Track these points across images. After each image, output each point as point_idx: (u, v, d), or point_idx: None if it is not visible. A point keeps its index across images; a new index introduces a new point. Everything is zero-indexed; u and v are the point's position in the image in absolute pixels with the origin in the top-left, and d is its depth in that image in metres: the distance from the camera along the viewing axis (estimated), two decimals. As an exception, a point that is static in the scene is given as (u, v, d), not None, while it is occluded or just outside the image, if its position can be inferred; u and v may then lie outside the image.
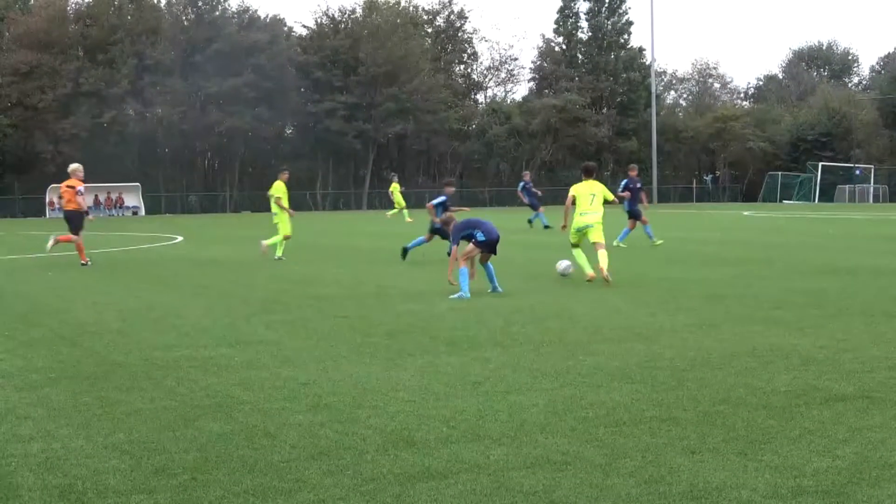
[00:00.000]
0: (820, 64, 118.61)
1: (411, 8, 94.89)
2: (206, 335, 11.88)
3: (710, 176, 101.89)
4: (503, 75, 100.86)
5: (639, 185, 27.78)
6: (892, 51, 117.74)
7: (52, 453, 6.64)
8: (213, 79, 79.36)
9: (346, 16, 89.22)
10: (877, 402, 7.75)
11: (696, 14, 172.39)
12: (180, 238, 36.62)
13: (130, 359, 10.29)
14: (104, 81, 77.66)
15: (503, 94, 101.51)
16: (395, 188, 50.70)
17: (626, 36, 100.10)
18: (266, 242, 24.13)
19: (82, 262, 22.74)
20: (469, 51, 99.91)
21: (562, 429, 7.05)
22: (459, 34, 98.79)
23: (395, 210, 50.27)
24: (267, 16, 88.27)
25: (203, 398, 8.26)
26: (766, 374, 8.91)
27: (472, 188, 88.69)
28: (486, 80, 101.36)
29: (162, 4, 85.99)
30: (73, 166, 24.34)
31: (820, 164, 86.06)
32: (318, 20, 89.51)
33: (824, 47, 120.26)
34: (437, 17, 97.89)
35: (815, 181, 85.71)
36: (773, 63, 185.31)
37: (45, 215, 70.43)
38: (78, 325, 12.98)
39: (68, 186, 23.74)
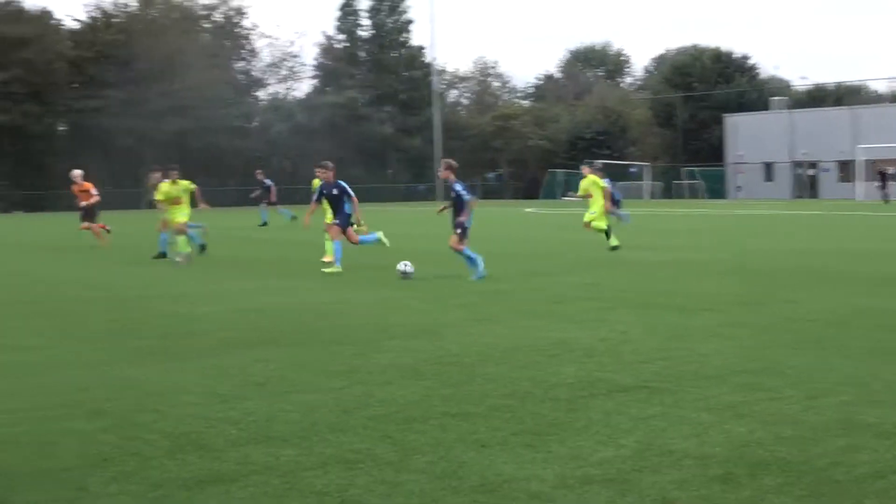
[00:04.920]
0: (595, 64, 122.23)
1: (188, 3, 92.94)
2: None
3: (494, 173, 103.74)
4: (284, 72, 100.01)
5: None
6: (663, 52, 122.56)
7: None
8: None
9: (120, 10, 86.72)
10: (656, 391, 8.01)
11: (476, 14, 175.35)
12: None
13: None
14: None
15: (285, 91, 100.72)
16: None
17: (406, 34, 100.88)
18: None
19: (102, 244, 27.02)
20: (248, 47, 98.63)
21: (353, 427, 7.01)
22: (238, 30, 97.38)
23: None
24: (34, 8, 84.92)
25: (-26, 407, 7.85)
26: (551, 366, 9.10)
27: (253, 186, 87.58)
28: (267, 76, 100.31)
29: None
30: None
31: (597, 161, 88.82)
32: (92, 14, 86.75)
33: (599, 47, 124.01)
34: (215, 13, 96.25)
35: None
36: (550, 63, 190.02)
37: None
38: None
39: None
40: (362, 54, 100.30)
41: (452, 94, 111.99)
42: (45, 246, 27.31)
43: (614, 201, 35.44)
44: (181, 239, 21.37)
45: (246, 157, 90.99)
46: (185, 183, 22.39)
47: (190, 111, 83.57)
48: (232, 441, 6.71)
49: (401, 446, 6.49)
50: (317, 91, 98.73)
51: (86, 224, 28.20)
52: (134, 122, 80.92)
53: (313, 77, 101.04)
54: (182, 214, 22.13)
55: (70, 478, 5.94)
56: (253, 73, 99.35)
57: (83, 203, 28.10)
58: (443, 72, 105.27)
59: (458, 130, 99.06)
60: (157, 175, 23.34)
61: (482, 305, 13.77)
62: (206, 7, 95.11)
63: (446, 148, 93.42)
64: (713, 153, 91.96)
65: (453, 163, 18.20)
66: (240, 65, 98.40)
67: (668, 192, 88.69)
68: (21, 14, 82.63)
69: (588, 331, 11.20)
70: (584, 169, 25.35)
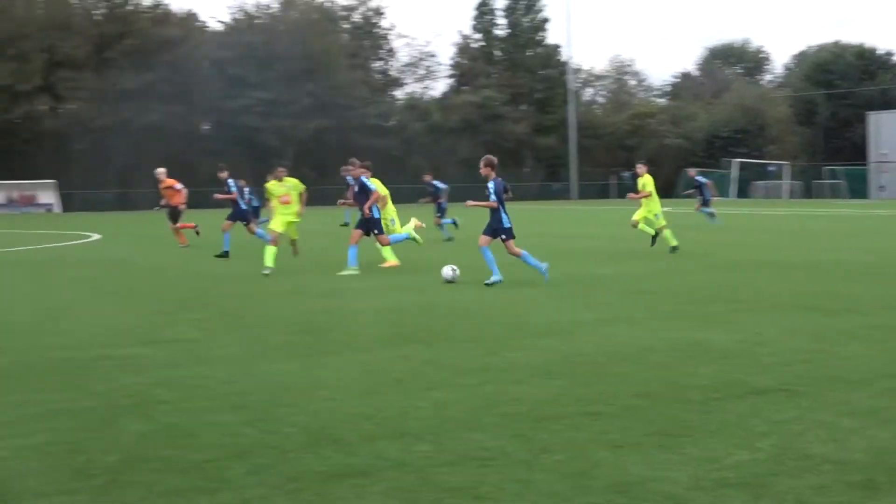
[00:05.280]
0: (734, 61, 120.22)
1: (328, 4, 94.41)
2: (125, 334, 11.73)
3: (629, 172, 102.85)
4: (421, 72, 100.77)
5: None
6: (804, 49, 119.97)
7: (-34, 456, 6.50)
8: (126, 74, 78.22)
9: (262, 11, 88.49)
10: (794, 394, 7.87)
11: (612, 12, 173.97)
12: (97, 236, 36.04)
13: (47, 359, 10.11)
14: (14, 76, 76.10)
15: (421, 90, 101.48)
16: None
17: (542, 33, 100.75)
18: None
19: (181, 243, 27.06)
20: (386, 47, 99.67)
21: (485, 425, 7.06)
22: (376, 30, 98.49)
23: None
24: (181, 11, 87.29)
25: (122, 398, 8.13)
26: (685, 367, 9.01)
27: (390, 184, 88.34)
28: (404, 76, 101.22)
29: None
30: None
31: (735, 160, 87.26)
32: (235, 16, 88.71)
33: (738, 45, 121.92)
34: (354, 13, 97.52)
35: (731, 177, 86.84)
36: (687, 60, 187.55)
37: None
38: (-9, 324, 12.73)
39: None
40: (498, 53, 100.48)
41: (588, 93, 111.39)
42: (198, 243, 27.89)
43: (704, 201, 35.49)
44: (271, 251, 19.17)
45: (383, 155, 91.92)
46: (292, 181, 20.70)
47: (329, 110, 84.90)
48: (366, 436, 6.82)
49: (533, 445, 6.51)
50: (453, 90, 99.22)
51: (173, 225, 27.58)
52: (276, 122, 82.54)
53: (449, 76, 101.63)
54: (290, 214, 20.47)
55: (211, 468, 6.12)
56: (390, 72, 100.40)
57: (169, 203, 27.37)
58: (578, 70, 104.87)
59: (592, 129, 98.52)
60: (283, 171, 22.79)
61: (616, 305, 13.69)
62: (345, 8, 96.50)
63: (581, 146, 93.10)
64: (855, 152, 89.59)
65: (493, 159, 17.40)
66: (378, 64, 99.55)
67: (808, 192, 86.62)
68: (168, 16, 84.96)
69: (723, 332, 11.06)
70: (640, 168, 24.93)
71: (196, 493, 5.65)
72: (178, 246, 26.91)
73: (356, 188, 19.73)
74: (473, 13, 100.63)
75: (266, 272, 18.47)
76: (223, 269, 20.11)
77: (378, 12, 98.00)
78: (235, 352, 10.36)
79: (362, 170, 19.65)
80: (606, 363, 9.29)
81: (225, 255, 23.23)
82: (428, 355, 9.89)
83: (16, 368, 9.58)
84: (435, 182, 30.43)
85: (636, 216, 24.19)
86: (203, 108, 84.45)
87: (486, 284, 16.32)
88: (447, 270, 17.21)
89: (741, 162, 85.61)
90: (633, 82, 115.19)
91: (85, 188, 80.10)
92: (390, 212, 21.38)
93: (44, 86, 77.73)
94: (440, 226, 29.45)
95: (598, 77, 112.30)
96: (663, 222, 23.76)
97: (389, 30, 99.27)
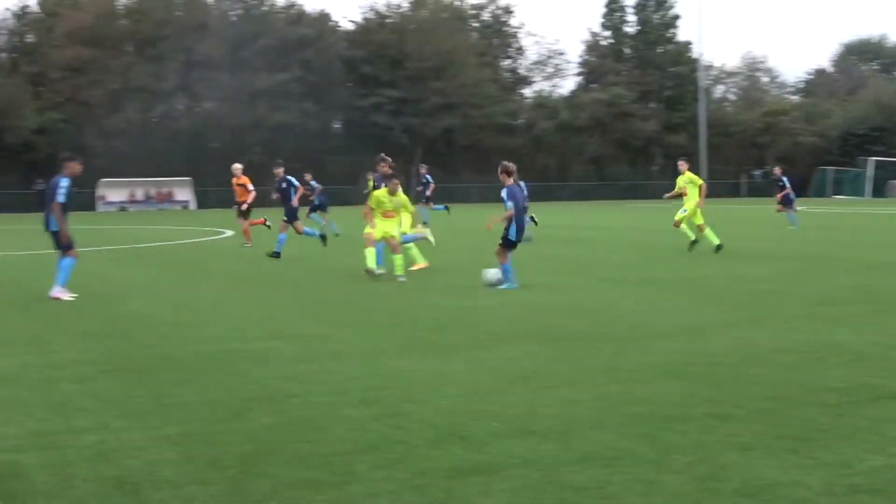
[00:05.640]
0: (870, 58, 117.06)
1: (457, 2, 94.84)
2: (256, 328, 11.97)
3: (761, 171, 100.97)
4: (550, 70, 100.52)
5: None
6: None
7: (106, 445, 6.71)
8: (260, 73, 79.70)
9: (392, 10, 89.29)
10: (931, 399, 7.65)
11: (744, 8, 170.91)
12: (230, 233, 36.77)
13: (182, 351, 10.39)
14: (153, 77, 78.18)
15: (550, 88, 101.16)
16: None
17: (673, 30, 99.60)
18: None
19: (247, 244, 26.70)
20: (515, 45, 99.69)
21: (612, 424, 7.03)
22: (505, 28, 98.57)
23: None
24: (314, 11, 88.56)
25: (253, 391, 8.31)
26: (817, 370, 8.83)
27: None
28: (533, 74, 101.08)
29: (210, 0, 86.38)
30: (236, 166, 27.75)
31: (871, 159, 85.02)
32: (366, 15, 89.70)
33: (875, 41, 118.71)
34: (483, 12, 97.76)
35: (867, 176, 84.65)
36: (822, 57, 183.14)
37: (94, 209, 71.07)
38: (130, 317, 13.12)
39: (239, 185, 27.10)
40: (628, 51, 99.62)
41: (719, 90, 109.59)
42: (330, 242, 28.20)
43: (787, 201, 34.25)
44: (397, 258, 17.74)
45: (510, 154, 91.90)
46: (403, 198, 18.38)
47: (459, 109, 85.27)
48: (493, 433, 6.84)
49: (660, 445, 6.45)
50: (581, 88, 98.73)
51: (242, 221, 27.35)
52: (406, 120, 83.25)
53: (578, 74, 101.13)
54: (391, 226, 18.20)
55: (339, 462, 6.21)
56: (519, 70, 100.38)
57: (241, 201, 27.11)
58: (709, 67, 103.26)
59: (723, 127, 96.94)
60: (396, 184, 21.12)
61: (747, 306, 13.47)
62: (474, 6, 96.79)
63: (711, 144, 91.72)
64: None
65: (510, 166, 16.50)
66: (506, 63, 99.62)
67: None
68: (301, 16, 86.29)
69: (858, 334, 10.79)
70: (682, 164, 24.36)
71: (324, 486, 5.74)
72: (301, 241, 26.85)
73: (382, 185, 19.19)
74: (603, 10, 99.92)
75: (377, 272, 17.47)
76: (353, 265, 20.32)
77: (507, 11, 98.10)
78: (363, 347, 10.48)
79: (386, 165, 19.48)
80: (736, 364, 9.16)
81: (276, 255, 22.81)
82: (554, 354, 9.88)
83: (153, 361, 9.85)
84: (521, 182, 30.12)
85: (679, 215, 23.79)
86: (334, 106, 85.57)
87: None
88: (491, 275, 16.14)
89: (877, 160, 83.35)
90: (765, 79, 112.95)
91: (219, 185, 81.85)
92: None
93: (181, 85, 79.67)
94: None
95: (730, 74, 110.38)
96: (700, 220, 23.35)
97: (518, 28, 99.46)
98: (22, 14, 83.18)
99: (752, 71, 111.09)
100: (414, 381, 8.62)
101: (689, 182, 23.59)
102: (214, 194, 79.37)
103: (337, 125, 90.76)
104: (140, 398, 8.12)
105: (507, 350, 10.15)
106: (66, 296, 14.99)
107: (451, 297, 14.82)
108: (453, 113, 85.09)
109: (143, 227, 42.81)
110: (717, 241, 22.52)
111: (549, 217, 41.85)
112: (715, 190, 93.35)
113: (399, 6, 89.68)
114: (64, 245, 15.28)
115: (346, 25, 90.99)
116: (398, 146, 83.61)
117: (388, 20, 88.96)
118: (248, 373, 9.09)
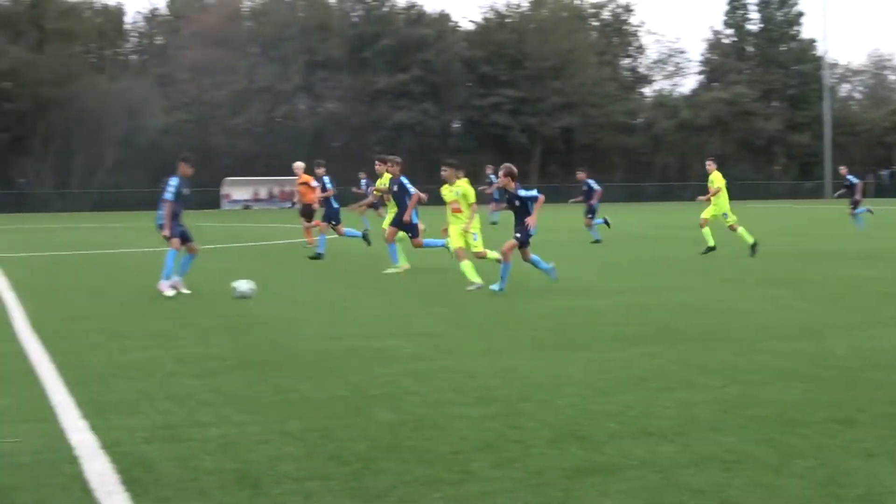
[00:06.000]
0: None
1: (577, 1, 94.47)
2: (374, 326, 12.12)
3: (888, 171, 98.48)
4: (670, 68, 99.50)
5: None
6: None
7: (228, 438, 6.86)
8: (381, 74, 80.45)
9: (512, 10, 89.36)
10: None
11: (870, 5, 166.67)
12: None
13: (302, 347, 10.57)
14: (276, 77, 79.44)
15: (670, 87, 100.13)
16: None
17: (797, 27, 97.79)
18: None
19: (309, 243, 25.70)
20: (635, 44, 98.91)
21: (731, 427, 6.96)
22: (625, 27, 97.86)
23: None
24: (434, 11, 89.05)
25: (373, 388, 8.41)
26: (947, 376, 8.62)
27: (636, 182, 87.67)
28: (653, 73, 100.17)
29: (332, 1, 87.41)
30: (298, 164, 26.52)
31: None
32: (485, 15, 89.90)
33: None
34: (603, 11, 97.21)
35: None
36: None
37: (219, 207, 72.46)
38: (252, 314, 13.37)
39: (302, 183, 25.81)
40: (750, 49, 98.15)
41: (844, 89, 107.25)
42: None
43: (854, 202, 32.91)
44: (467, 265, 16.33)
45: (630, 153, 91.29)
46: (463, 186, 16.71)
47: (578, 108, 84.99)
48: (611, 434, 6.83)
49: (781, 449, 6.37)
50: (702, 87, 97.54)
51: (307, 223, 26.19)
52: (525, 119, 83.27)
53: (699, 73, 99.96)
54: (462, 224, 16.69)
55: (457, 460, 6.26)
56: (639, 69, 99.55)
57: (302, 200, 26.01)
58: (834, 65, 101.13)
59: (849, 126, 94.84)
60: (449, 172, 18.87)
61: (870, 309, 13.19)
62: (594, 5, 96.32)
63: (836, 144, 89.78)
64: None
65: (513, 168, 15.86)
66: (626, 62, 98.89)
67: None
68: (421, 17, 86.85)
69: None
70: (710, 164, 23.70)
71: (442, 484, 5.80)
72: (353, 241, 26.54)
73: (395, 187, 19.21)
74: (725, 8, 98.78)
75: (472, 288, 15.98)
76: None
77: (627, 9, 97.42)
78: (479, 346, 10.54)
79: (398, 167, 19.27)
80: (860, 368, 8.98)
81: (318, 256, 22.79)
82: (673, 354, 9.81)
83: (274, 356, 10.04)
84: (589, 181, 29.06)
85: (705, 214, 23.15)
86: (454, 106, 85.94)
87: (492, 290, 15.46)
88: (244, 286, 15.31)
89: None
90: (893, 77, 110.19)
91: (340, 185, 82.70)
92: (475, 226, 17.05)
93: (303, 86, 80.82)
94: (590, 227, 28.49)
95: (856, 72, 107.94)
96: (734, 219, 22.84)
97: (639, 27, 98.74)
98: (152, 17, 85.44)
99: (879, 69, 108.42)
100: (531, 381, 8.64)
101: (715, 181, 23.15)
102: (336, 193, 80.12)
103: (456, 125, 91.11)
104: (261, 393, 8.29)
105: (625, 350, 10.10)
106: (168, 290, 15.32)
107: (568, 298, 14.79)
108: (572, 112, 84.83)
109: (266, 226, 43.57)
110: (711, 244, 22.22)
111: (669, 217, 41.46)
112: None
113: (518, 6, 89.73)
114: (166, 237, 15.69)
115: (466, 25, 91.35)
116: (517, 146, 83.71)
117: (507, 20, 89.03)
118: (368, 370, 9.21)
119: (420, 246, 19.34)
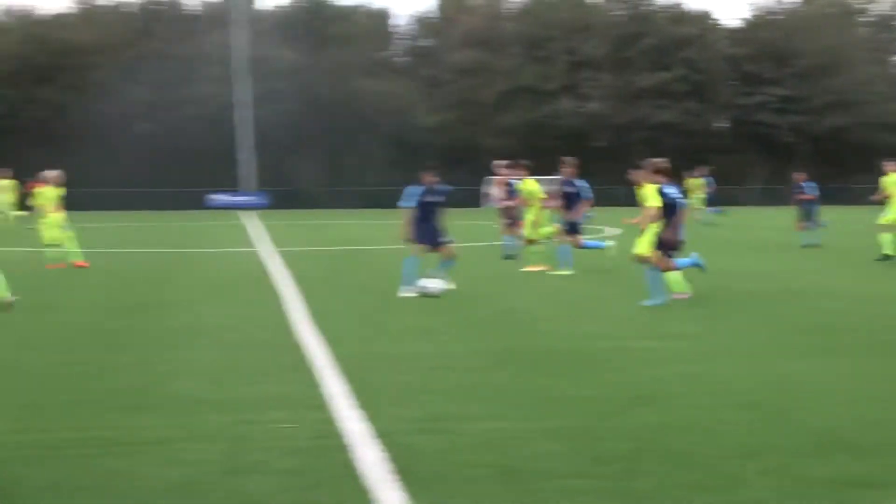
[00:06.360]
0: None
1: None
2: (629, 326, 12.11)
3: None
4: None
5: None
6: None
7: (491, 433, 7.00)
8: (643, 73, 79.77)
9: (782, 7, 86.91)
10: None
11: None
12: (616, 230, 36.91)
13: (560, 346, 10.68)
14: (540, 77, 79.93)
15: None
16: None
17: None
18: None
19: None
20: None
21: None
22: (894, 23, 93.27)
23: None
24: (696, 10, 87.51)
25: (632, 389, 8.41)
26: None
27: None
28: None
29: (595, 1, 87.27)
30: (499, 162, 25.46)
31: None
32: (754, 12, 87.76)
33: None
34: (873, 7, 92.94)
35: None
36: None
37: (478, 205, 73.39)
38: (510, 311, 13.58)
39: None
40: None
41: None
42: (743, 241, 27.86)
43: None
44: (673, 277, 14.53)
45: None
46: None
47: (847, 107, 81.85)
48: (882, 445, 6.61)
49: None
50: None
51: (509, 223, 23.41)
52: (791, 119, 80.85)
53: None
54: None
55: (723, 466, 6.20)
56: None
57: (502, 203, 24.02)
58: None
59: None
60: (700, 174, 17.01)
61: None
62: (864, 1, 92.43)
63: None
64: None
65: (661, 164, 14.61)
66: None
67: None
68: (683, 15, 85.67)
69: None
70: (888, 165, 21.72)
71: (708, 490, 5.76)
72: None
73: (567, 189, 19.62)
74: None
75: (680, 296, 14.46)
76: (725, 264, 19.93)
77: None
78: (740, 348, 10.38)
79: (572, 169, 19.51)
80: None
81: (511, 257, 22.12)
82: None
83: (533, 355, 10.18)
84: (802, 184, 26.97)
85: (883, 220, 21.20)
86: (717, 105, 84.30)
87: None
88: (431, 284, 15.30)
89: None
90: None
91: (601, 185, 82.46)
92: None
93: (566, 86, 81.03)
94: (804, 230, 26.60)
95: None
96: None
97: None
98: (421, 20, 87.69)
99: None
100: (796, 386, 8.45)
101: (892, 185, 21.45)
102: (598, 192, 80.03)
103: (721, 124, 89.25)
104: (522, 390, 8.42)
105: (891, 357, 9.74)
106: (406, 292, 15.45)
107: (832, 300, 14.35)
108: (842, 111, 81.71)
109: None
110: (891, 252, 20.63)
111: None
112: None
113: (788, 2, 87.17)
114: (406, 241, 16.04)
115: (728, 23, 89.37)
116: (784, 145, 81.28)
117: (775, 17, 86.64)
118: (626, 370, 9.23)
119: (580, 246, 19.80)
